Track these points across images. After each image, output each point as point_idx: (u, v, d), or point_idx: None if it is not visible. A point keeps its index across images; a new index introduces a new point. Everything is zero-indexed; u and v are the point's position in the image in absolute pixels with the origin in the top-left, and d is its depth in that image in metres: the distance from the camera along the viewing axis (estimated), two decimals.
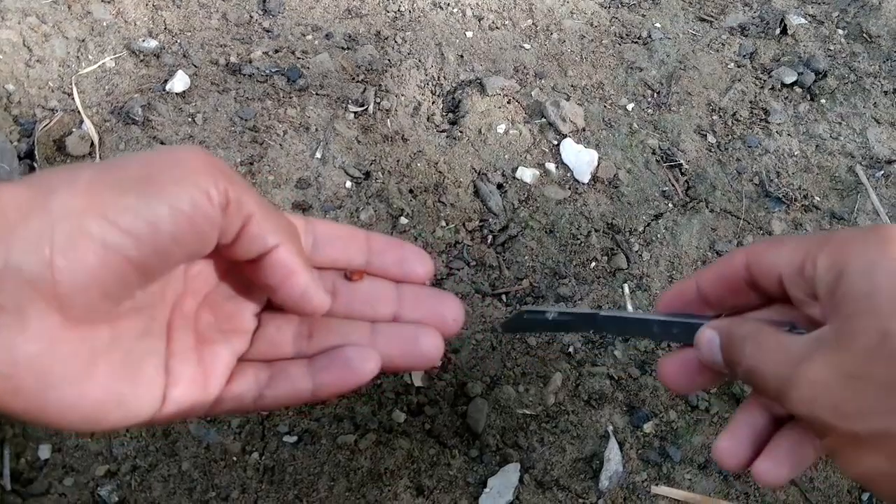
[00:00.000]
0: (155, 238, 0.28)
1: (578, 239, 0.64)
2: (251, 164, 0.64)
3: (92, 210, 0.27)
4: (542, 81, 0.72)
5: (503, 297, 0.61)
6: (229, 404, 0.35)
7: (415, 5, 0.76)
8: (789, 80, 0.74)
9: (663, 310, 0.38)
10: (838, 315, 0.30)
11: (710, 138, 0.71)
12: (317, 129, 0.67)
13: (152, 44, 0.70)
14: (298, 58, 0.71)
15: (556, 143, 0.69)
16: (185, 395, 0.33)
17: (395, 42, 0.73)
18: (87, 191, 0.28)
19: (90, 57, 0.69)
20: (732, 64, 0.75)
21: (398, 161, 0.66)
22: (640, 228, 0.65)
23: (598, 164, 0.68)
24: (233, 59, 0.70)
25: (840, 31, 0.78)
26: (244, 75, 0.69)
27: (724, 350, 0.34)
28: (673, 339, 0.39)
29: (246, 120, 0.67)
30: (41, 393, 0.28)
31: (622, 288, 0.62)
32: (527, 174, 0.67)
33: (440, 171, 0.66)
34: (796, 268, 0.32)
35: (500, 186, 0.66)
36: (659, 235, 0.65)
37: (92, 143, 0.64)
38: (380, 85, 0.70)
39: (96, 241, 0.27)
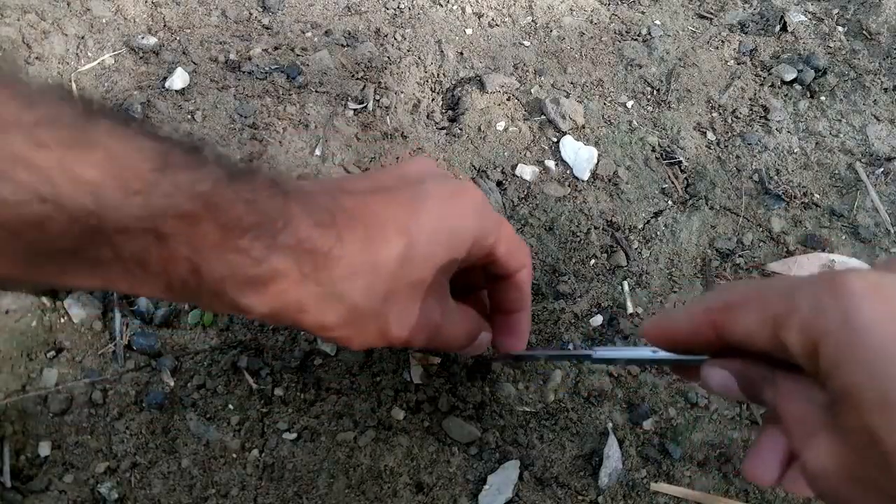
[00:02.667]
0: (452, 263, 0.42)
1: (578, 236, 0.64)
2: (251, 161, 0.64)
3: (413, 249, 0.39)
4: (542, 79, 0.72)
5: None
6: None
7: (414, 2, 0.76)
8: (789, 77, 0.74)
9: (648, 341, 0.38)
10: (829, 395, 0.27)
11: (710, 135, 0.71)
12: (316, 127, 0.67)
13: (151, 41, 0.70)
14: (298, 55, 0.71)
15: (555, 140, 0.69)
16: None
17: (395, 39, 0.73)
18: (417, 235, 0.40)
19: (89, 54, 0.69)
20: (732, 61, 0.75)
21: (398, 158, 0.66)
22: (640, 226, 0.65)
23: (598, 162, 0.68)
24: (232, 56, 0.70)
25: (840, 29, 0.78)
26: (243, 72, 0.69)
27: (743, 389, 0.33)
28: (664, 366, 0.40)
29: (245, 117, 0.67)
30: None
31: (622, 285, 0.62)
32: (526, 171, 0.67)
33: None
34: (769, 340, 0.30)
35: (499, 184, 0.66)
36: (659, 233, 0.65)
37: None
38: (379, 82, 0.70)
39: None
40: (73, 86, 0.67)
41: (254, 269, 0.33)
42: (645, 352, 0.39)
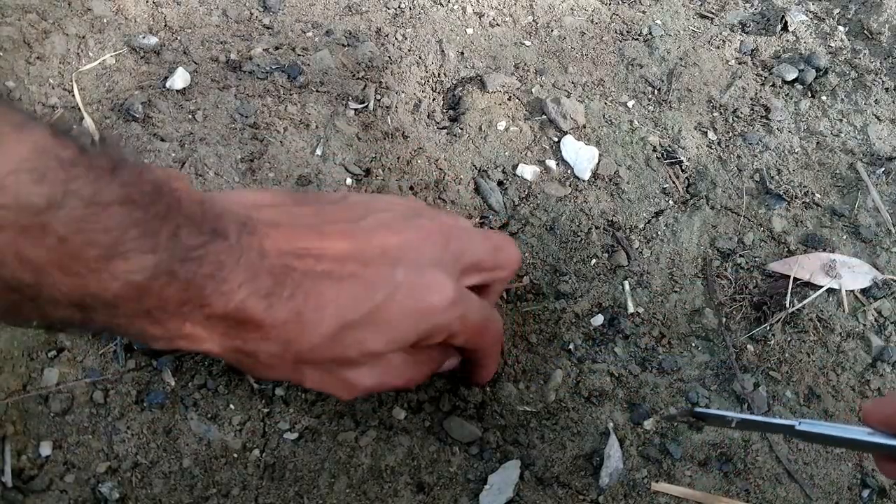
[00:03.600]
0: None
1: (579, 236, 0.64)
2: (251, 161, 0.64)
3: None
4: (543, 78, 0.72)
5: (503, 293, 0.61)
6: None
7: (415, 2, 0.76)
8: (790, 76, 0.74)
9: (868, 422, 0.36)
10: None
11: (711, 135, 0.71)
12: (317, 126, 0.67)
13: (152, 41, 0.70)
14: (299, 55, 0.71)
15: (556, 140, 0.69)
16: None
17: (396, 39, 0.73)
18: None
19: (90, 54, 0.69)
20: (733, 61, 0.75)
21: (399, 158, 0.66)
22: (641, 225, 0.65)
23: (599, 162, 0.68)
24: (233, 55, 0.70)
25: (841, 28, 0.77)
26: (244, 72, 0.69)
27: None
28: (874, 452, 0.37)
29: (246, 117, 0.67)
30: None
31: (622, 285, 0.62)
32: (527, 171, 0.67)
33: (441, 168, 0.66)
34: None
35: (500, 183, 0.66)
36: (659, 232, 0.65)
37: (93, 141, 0.64)
38: (380, 82, 0.70)
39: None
40: (75, 86, 0.67)
41: (167, 335, 0.36)
42: (859, 432, 0.36)
